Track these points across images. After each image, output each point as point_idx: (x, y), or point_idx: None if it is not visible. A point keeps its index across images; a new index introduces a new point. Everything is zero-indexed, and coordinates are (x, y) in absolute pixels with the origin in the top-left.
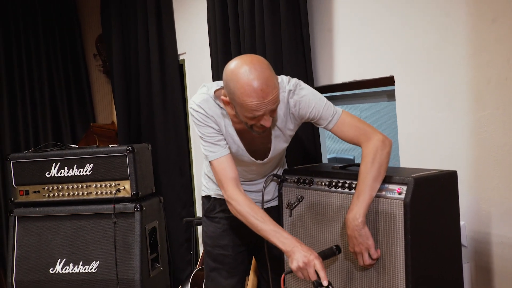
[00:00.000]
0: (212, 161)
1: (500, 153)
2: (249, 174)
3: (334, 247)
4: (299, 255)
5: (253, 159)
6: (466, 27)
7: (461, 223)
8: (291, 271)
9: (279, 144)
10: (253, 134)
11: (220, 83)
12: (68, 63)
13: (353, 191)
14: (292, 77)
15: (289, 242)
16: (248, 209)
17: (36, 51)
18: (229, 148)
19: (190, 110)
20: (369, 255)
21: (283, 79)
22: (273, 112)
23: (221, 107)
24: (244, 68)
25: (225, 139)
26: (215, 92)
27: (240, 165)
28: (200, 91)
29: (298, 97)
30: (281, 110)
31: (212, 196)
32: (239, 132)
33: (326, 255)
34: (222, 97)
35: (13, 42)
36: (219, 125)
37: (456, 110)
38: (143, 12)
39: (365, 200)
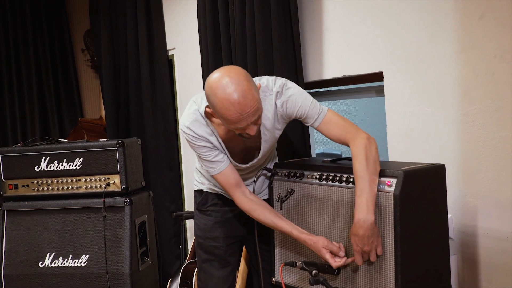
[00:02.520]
0: (215, 175)
1: (487, 147)
2: (243, 175)
3: (336, 270)
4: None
5: (245, 165)
6: (454, 23)
7: (448, 215)
8: (291, 263)
9: (268, 145)
10: (242, 140)
11: None
12: (56, 58)
13: (343, 184)
14: (282, 72)
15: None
16: (255, 214)
17: (24, 45)
18: None
19: (180, 131)
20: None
21: (268, 81)
22: (256, 121)
23: (210, 124)
24: (221, 82)
25: (221, 153)
26: (205, 109)
27: None
28: (189, 109)
29: (285, 97)
30: (269, 113)
31: (204, 190)
32: (228, 141)
33: (325, 270)
34: (207, 109)
35: (1, 36)
36: (211, 142)
37: (444, 105)
38: (133, 6)
39: (371, 197)
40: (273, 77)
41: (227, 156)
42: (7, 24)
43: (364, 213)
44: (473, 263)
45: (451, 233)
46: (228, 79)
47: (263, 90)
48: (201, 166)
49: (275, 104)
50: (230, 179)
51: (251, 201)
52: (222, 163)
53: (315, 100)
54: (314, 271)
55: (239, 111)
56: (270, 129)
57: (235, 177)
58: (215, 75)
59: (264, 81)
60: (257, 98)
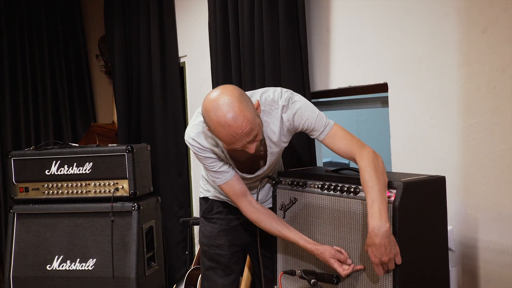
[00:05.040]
0: (221, 185)
1: (488, 160)
2: (248, 184)
3: (335, 277)
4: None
5: (251, 175)
6: (457, 36)
7: (449, 227)
8: (290, 272)
9: (274, 158)
10: (247, 152)
11: None
12: (70, 63)
13: (345, 194)
14: (289, 82)
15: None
16: (262, 224)
17: (40, 50)
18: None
19: (186, 142)
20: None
21: (275, 94)
22: (253, 140)
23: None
24: (213, 105)
25: (226, 164)
26: None
27: None
28: (194, 120)
29: (292, 111)
30: (275, 126)
31: (210, 198)
32: (233, 152)
33: (324, 279)
34: (206, 127)
35: (17, 42)
36: (216, 153)
37: (447, 117)
38: (146, 14)
39: (383, 206)
40: (279, 89)
41: (233, 166)
42: (23, 29)
43: (377, 220)
44: (473, 275)
45: (452, 245)
46: (220, 101)
47: (269, 103)
48: (207, 175)
49: (281, 117)
50: (236, 189)
51: (257, 211)
52: (228, 174)
53: (321, 113)
54: (312, 280)
55: (231, 133)
56: (277, 142)
57: (241, 187)
58: (210, 96)
59: (270, 94)
60: (250, 118)
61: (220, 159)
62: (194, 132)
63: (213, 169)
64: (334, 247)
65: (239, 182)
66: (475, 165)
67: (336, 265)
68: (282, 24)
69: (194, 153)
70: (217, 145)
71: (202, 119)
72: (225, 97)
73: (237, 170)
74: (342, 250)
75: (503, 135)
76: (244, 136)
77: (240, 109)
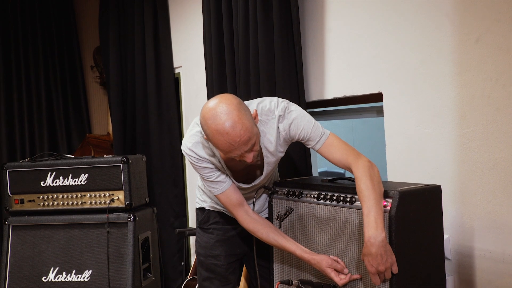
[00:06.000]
0: (217, 195)
1: (483, 169)
2: (244, 194)
3: (331, 286)
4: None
5: (247, 185)
6: (451, 46)
7: (445, 236)
8: (287, 281)
9: (271, 167)
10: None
11: None
12: (65, 74)
13: (340, 203)
14: (284, 91)
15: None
16: (259, 234)
17: (35, 61)
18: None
19: (183, 152)
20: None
21: (271, 104)
22: (251, 149)
23: (212, 146)
24: (212, 113)
25: (223, 174)
26: None
27: None
28: (191, 130)
29: (288, 121)
30: (272, 136)
31: (206, 208)
32: (230, 161)
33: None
34: (204, 136)
35: (12, 52)
36: (213, 163)
37: (441, 126)
38: (141, 25)
39: (379, 215)
40: (275, 99)
41: (229, 176)
42: (18, 40)
43: (373, 229)
44: (469, 283)
45: (448, 253)
46: (219, 109)
47: (266, 113)
48: (203, 185)
49: (278, 127)
50: (232, 199)
51: (254, 221)
52: (225, 183)
53: (317, 123)
54: None
55: (229, 142)
56: (273, 152)
57: (238, 197)
58: (208, 105)
59: (266, 103)
60: (248, 127)
61: (217, 169)
62: (191, 142)
63: (210, 179)
64: (331, 256)
65: (236, 192)
66: (471, 173)
67: (333, 275)
68: (276, 34)
69: (191, 163)
70: (214, 155)
71: (199, 129)
72: (224, 106)
73: (233, 180)
74: (339, 260)
75: (498, 144)
76: (242, 145)
77: (239, 118)
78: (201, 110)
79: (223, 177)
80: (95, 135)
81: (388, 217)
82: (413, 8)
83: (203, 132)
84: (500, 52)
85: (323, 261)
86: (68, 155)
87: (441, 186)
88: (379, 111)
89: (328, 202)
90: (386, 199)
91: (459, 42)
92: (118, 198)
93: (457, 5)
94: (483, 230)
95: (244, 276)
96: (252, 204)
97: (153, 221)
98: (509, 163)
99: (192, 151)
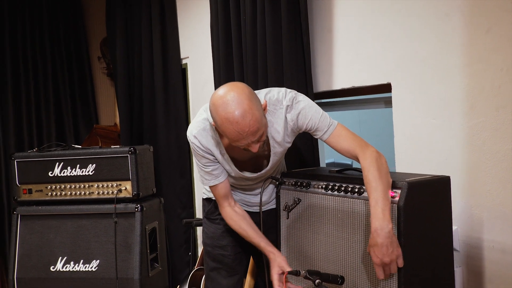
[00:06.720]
0: (207, 185)
1: (493, 160)
2: (251, 185)
3: (339, 277)
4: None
5: (254, 175)
6: (461, 36)
7: (454, 227)
8: (295, 272)
9: (277, 158)
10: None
11: None
12: (73, 65)
13: (349, 194)
14: (292, 82)
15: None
16: (231, 222)
17: (42, 52)
18: (227, 171)
19: (188, 137)
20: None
21: (279, 94)
22: (258, 140)
23: (217, 134)
24: (223, 100)
25: (220, 167)
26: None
27: (240, 182)
28: (199, 117)
29: (296, 111)
30: (279, 126)
31: (213, 198)
32: (235, 150)
33: (328, 280)
34: (212, 122)
35: (19, 44)
36: (214, 154)
37: (451, 117)
38: (148, 16)
39: (386, 206)
40: (283, 90)
41: (231, 167)
42: (26, 32)
43: (380, 220)
44: (478, 275)
45: (457, 245)
46: (230, 97)
47: (273, 103)
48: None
49: (285, 117)
50: (220, 192)
51: (233, 212)
52: (218, 178)
53: (325, 113)
54: (317, 280)
55: (238, 130)
56: (280, 142)
57: (225, 191)
58: (219, 92)
59: (274, 93)
60: (258, 117)
61: (216, 161)
62: (197, 129)
63: (205, 170)
64: (287, 270)
65: (226, 186)
66: (480, 164)
67: (275, 276)
68: (284, 24)
69: (193, 149)
70: (217, 144)
71: (206, 116)
72: (235, 94)
73: (238, 170)
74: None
75: (508, 135)
76: (250, 135)
77: (250, 107)
78: (212, 96)
79: (219, 171)
80: (103, 126)
81: (396, 208)
82: None
83: (211, 119)
84: (511, 42)
85: (277, 258)
86: (76, 146)
87: (450, 177)
88: (387, 102)
89: (336, 193)
90: (395, 190)
91: (469, 33)
92: (126, 188)
93: None
94: (492, 221)
95: (249, 272)
96: (259, 195)
97: (160, 211)
98: None
99: (196, 138)
